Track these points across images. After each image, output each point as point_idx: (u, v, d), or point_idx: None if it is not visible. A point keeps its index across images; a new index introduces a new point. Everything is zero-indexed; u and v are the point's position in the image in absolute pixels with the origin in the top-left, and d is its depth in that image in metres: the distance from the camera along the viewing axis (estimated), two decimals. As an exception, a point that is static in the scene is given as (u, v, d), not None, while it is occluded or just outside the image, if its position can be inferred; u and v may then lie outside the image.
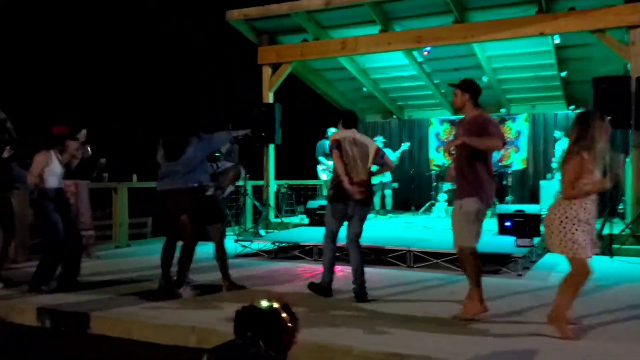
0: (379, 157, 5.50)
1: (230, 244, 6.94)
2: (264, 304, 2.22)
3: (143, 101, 19.67)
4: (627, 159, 8.97)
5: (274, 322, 2.18)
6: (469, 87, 4.72)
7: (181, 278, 5.49)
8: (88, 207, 7.56)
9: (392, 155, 12.34)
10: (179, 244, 5.65)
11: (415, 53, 11.44)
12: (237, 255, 7.93)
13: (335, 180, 5.39)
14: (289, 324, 2.20)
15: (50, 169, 5.74)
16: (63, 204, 5.91)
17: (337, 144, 5.41)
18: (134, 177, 10.19)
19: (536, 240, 7.45)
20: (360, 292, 5.32)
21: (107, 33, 19.66)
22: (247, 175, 10.36)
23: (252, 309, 2.21)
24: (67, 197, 6.17)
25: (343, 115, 5.68)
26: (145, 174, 7.90)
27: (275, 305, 2.22)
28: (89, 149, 7.28)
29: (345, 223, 5.49)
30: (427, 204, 12.51)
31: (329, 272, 5.47)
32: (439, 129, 14.52)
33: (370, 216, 11.69)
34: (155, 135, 5.76)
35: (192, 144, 5.48)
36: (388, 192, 12.37)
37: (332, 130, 11.24)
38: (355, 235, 5.45)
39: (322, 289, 5.46)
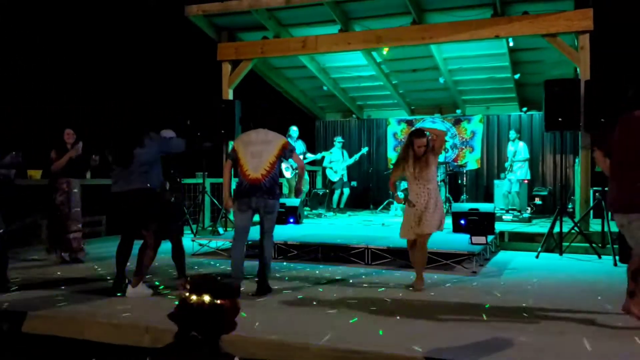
0: (288, 151, 5.59)
1: (188, 243, 6.85)
2: (193, 297, 2.14)
3: (98, 98, 19.17)
4: (577, 160, 9.24)
5: (210, 314, 2.13)
6: None
7: (138, 277, 5.40)
8: (79, 204, 7.41)
9: (350, 160, 12.54)
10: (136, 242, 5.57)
11: (374, 53, 11.55)
12: (195, 254, 7.86)
13: (237, 184, 5.58)
14: (225, 310, 2.15)
15: None
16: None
17: (230, 154, 5.70)
18: (88, 174, 9.95)
19: (490, 238, 7.63)
20: (262, 287, 5.48)
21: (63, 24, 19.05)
22: (206, 173, 10.28)
23: (184, 306, 2.15)
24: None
25: (246, 119, 5.93)
26: (99, 171, 7.77)
27: (206, 297, 2.14)
28: (80, 147, 7.16)
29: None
30: (385, 202, 12.69)
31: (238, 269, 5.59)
32: (397, 129, 14.70)
33: (329, 214, 11.95)
34: (104, 141, 5.66)
35: (143, 146, 5.38)
36: (346, 191, 12.51)
37: (293, 128, 11.27)
38: (265, 230, 5.53)
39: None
